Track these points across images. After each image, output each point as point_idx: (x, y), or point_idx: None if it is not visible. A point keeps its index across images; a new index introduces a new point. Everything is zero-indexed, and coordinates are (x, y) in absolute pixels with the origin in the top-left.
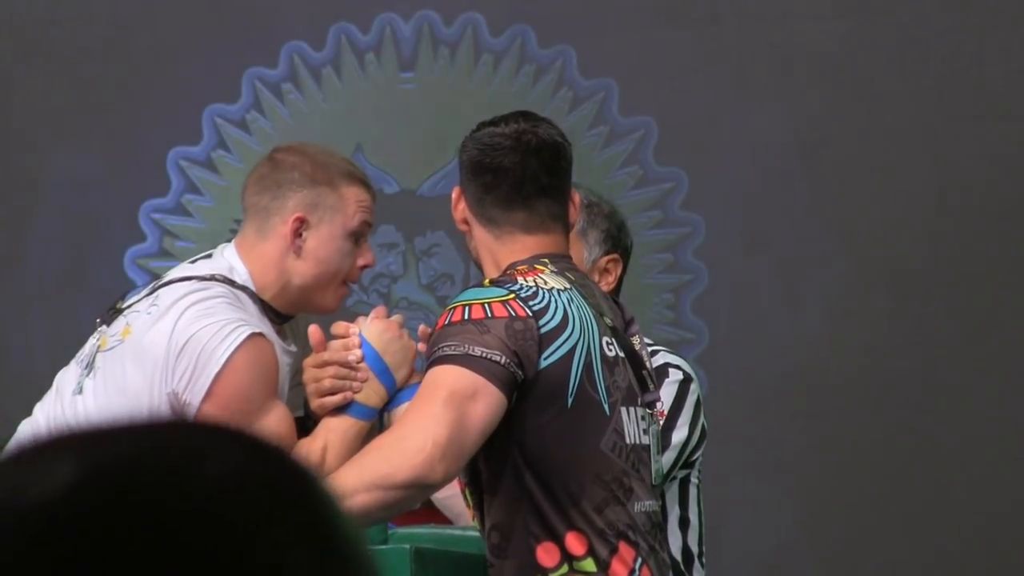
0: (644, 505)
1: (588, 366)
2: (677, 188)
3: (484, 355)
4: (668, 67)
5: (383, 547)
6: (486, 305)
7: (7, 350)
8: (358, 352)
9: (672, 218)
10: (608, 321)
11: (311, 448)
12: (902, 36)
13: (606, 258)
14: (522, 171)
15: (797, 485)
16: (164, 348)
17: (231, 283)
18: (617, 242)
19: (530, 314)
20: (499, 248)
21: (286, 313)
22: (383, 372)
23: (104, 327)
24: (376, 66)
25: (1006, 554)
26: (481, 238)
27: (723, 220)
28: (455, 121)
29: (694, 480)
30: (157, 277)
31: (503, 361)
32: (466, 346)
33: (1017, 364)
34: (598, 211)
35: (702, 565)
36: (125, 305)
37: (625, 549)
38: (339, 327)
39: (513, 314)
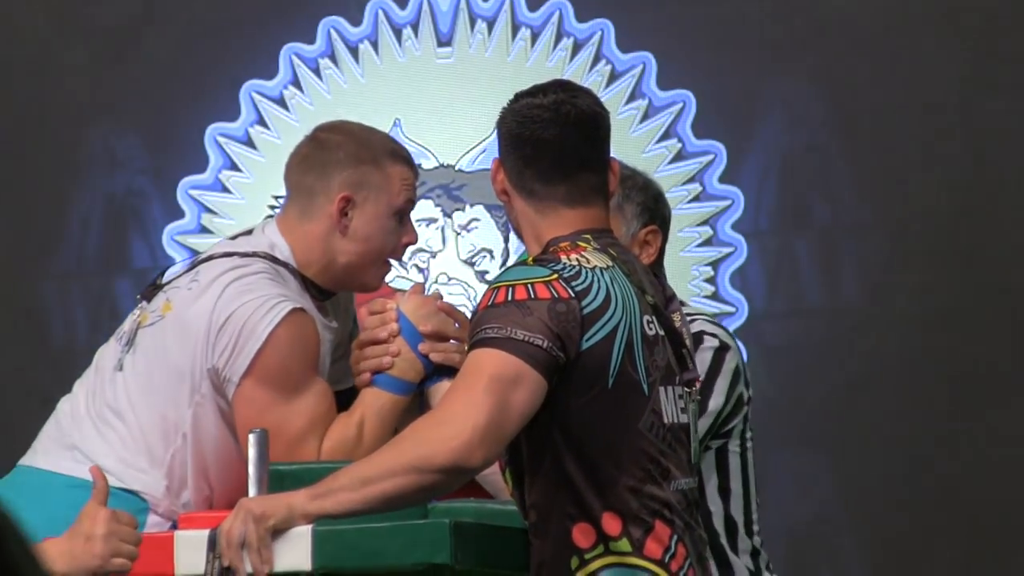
0: (680, 484)
1: (629, 346)
2: (715, 161)
3: (527, 339)
4: (706, 40)
5: (422, 521)
6: (529, 286)
7: (47, 327)
8: (393, 327)
9: (710, 192)
10: (650, 299)
11: (348, 423)
12: (940, 6)
13: (644, 230)
14: (562, 143)
15: (836, 457)
16: (206, 324)
17: (273, 259)
18: (655, 213)
19: (573, 295)
20: (540, 221)
21: (329, 290)
22: (412, 344)
23: (144, 303)
24: (414, 42)
25: None
26: (522, 210)
27: (761, 193)
28: (493, 96)
29: (733, 448)
30: (197, 253)
31: (545, 345)
32: (509, 329)
33: None
34: (632, 184)
35: (749, 534)
36: (165, 281)
37: (661, 527)
38: (377, 303)
39: (556, 295)
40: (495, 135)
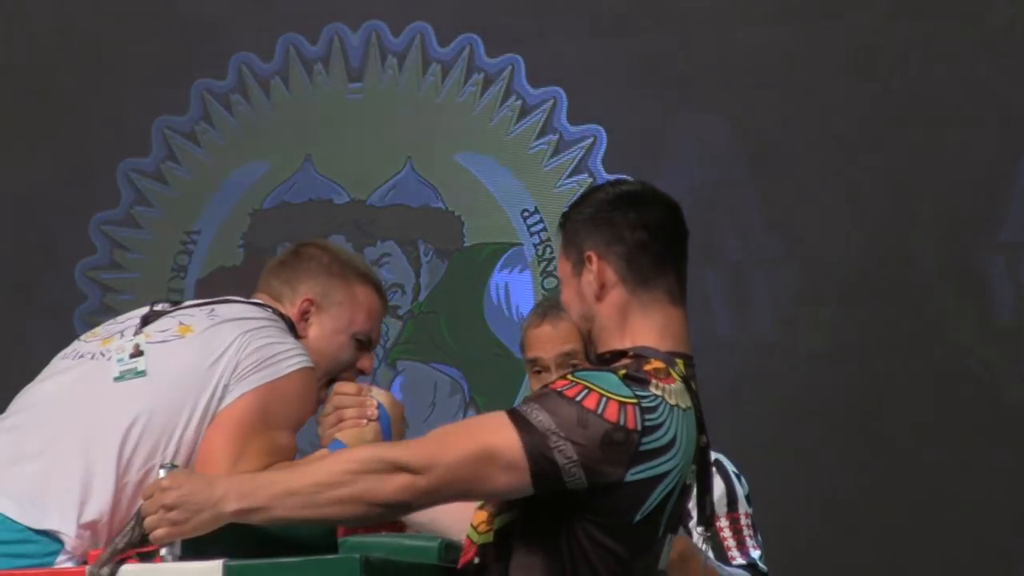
0: None
1: (668, 495)
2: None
3: (553, 445)
4: (616, 75)
5: (332, 556)
6: (604, 400)
7: None
8: (375, 409)
9: None
10: (703, 440)
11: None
12: (849, 42)
13: None
14: (673, 226)
15: (752, 489)
16: (237, 343)
17: (280, 316)
18: None
19: (639, 428)
20: (640, 317)
21: None
22: (386, 431)
23: (138, 329)
24: (324, 77)
25: (966, 543)
26: (618, 304)
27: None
28: (404, 131)
29: None
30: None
31: (564, 463)
32: (551, 429)
33: (968, 374)
34: None
35: None
36: (167, 310)
37: None
38: (348, 385)
39: (622, 423)
40: (583, 225)
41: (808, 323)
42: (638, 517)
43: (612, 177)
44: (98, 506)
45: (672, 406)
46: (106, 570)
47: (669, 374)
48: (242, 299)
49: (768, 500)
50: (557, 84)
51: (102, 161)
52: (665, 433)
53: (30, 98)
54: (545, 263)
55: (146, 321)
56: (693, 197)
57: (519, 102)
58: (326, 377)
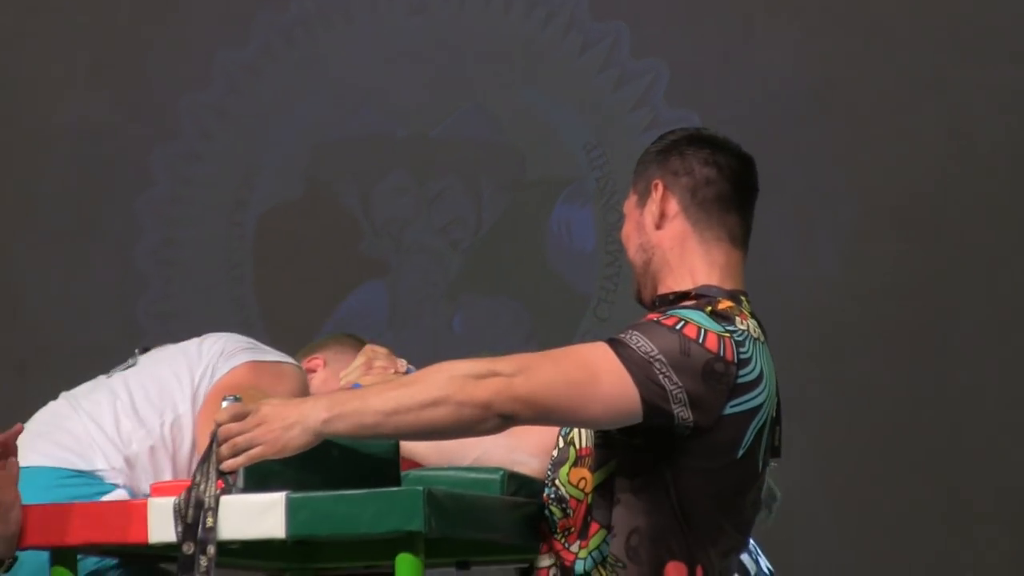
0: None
1: (763, 426)
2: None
3: (659, 371)
4: (679, 9)
5: (395, 489)
6: (703, 330)
7: (22, 297)
8: (403, 366)
9: None
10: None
11: None
12: None
13: None
14: (744, 174)
15: (812, 426)
16: (224, 338)
17: None
18: None
19: (736, 360)
20: (700, 253)
21: None
22: None
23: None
24: (387, 7)
25: (1019, 494)
26: (679, 236)
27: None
28: (465, 64)
29: None
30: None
31: (674, 391)
32: (653, 350)
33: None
34: None
35: None
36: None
37: None
38: (380, 348)
39: (721, 353)
40: (655, 156)
41: (870, 259)
42: (741, 452)
43: (673, 112)
44: (135, 445)
45: (755, 340)
46: (212, 490)
47: (742, 311)
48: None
49: (829, 436)
50: (619, 19)
51: (164, 94)
52: (755, 367)
53: (92, 28)
54: (607, 197)
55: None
56: (755, 132)
57: (581, 36)
58: None
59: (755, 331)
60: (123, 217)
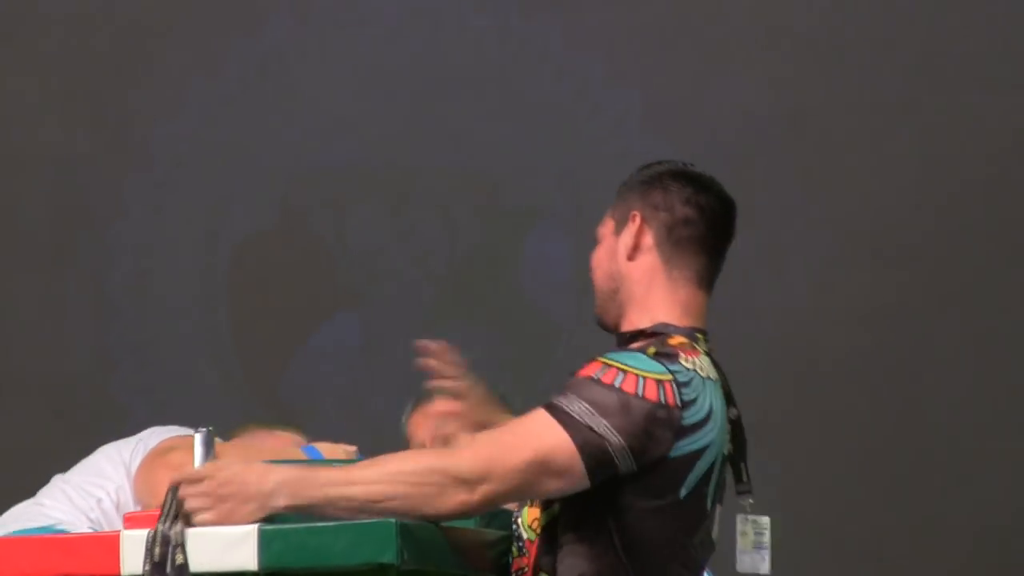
0: None
1: (711, 467)
2: (662, 158)
3: (603, 434)
4: (651, 39)
5: (369, 521)
6: (641, 380)
7: None
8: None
9: None
10: (733, 413)
11: None
12: (886, 6)
13: None
14: (724, 218)
15: (785, 455)
16: (144, 433)
17: None
18: None
19: (679, 404)
20: (665, 291)
21: None
22: None
23: None
24: (361, 38)
25: (993, 522)
26: (648, 270)
27: None
28: (439, 94)
29: None
30: None
31: (618, 449)
32: (595, 419)
33: (1002, 334)
34: None
35: None
36: None
37: None
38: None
39: (663, 400)
40: (638, 186)
41: (844, 287)
42: (684, 492)
43: (649, 142)
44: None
45: (704, 378)
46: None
47: (694, 347)
48: None
49: (801, 465)
50: (593, 48)
51: (138, 123)
52: (701, 407)
53: (66, 57)
54: (582, 227)
55: None
56: (728, 162)
57: (554, 66)
58: None
59: (704, 369)
60: (96, 246)
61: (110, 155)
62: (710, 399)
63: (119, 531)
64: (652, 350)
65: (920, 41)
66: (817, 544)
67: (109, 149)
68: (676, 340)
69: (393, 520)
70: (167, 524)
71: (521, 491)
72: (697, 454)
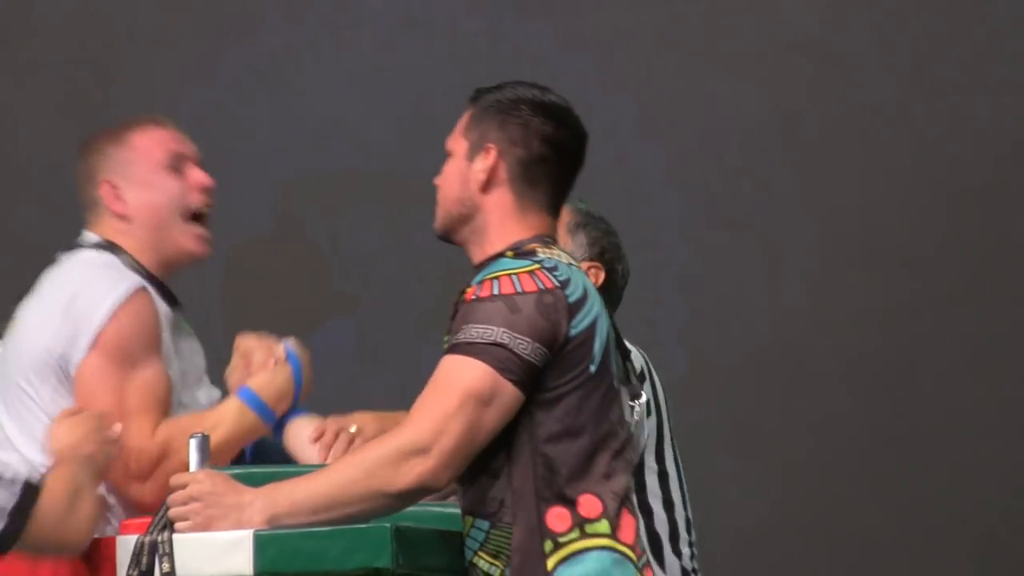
0: (632, 482)
1: (607, 340)
2: (657, 162)
3: (509, 344)
4: (645, 43)
5: (364, 525)
6: (514, 276)
7: None
8: (282, 352)
9: (652, 192)
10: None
11: (200, 420)
12: (879, 10)
13: (588, 263)
14: (578, 153)
15: (779, 461)
16: (55, 308)
17: (110, 248)
18: (604, 254)
19: (557, 284)
20: (517, 220)
21: (161, 274)
22: (298, 380)
23: None
24: (355, 44)
25: (988, 526)
26: (502, 203)
27: (702, 196)
28: (433, 99)
29: (650, 464)
30: None
31: (528, 351)
32: (494, 331)
33: (994, 339)
34: (598, 221)
35: (677, 553)
36: None
37: (627, 517)
38: (250, 336)
39: (542, 286)
40: (496, 113)
41: (836, 291)
42: (592, 367)
43: (643, 146)
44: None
45: (567, 264)
46: (166, 534)
47: (547, 245)
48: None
49: (794, 468)
50: (587, 53)
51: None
52: (576, 285)
53: (58, 63)
54: None
55: None
56: (723, 166)
57: (548, 70)
58: (175, 215)
59: (564, 257)
60: None
61: None
62: (581, 279)
63: (115, 537)
64: (510, 253)
65: (916, 45)
66: (809, 546)
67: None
68: (529, 246)
69: (388, 524)
70: (156, 532)
71: (471, 436)
72: (591, 328)
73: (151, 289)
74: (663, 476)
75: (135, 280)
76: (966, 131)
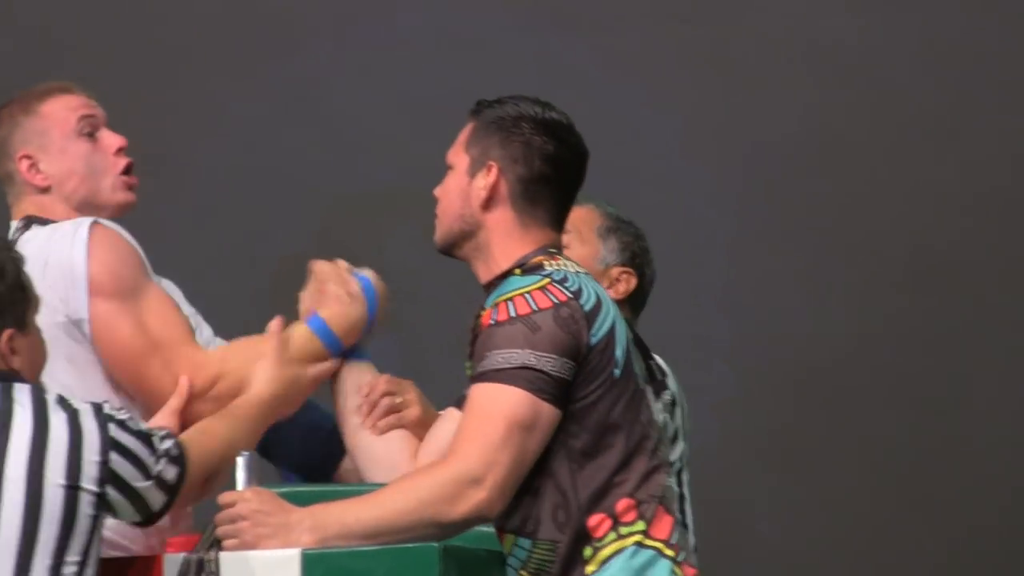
0: (670, 481)
1: (627, 343)
2: (701, 183)
3: (537, 365)
4: (690, 65)
5: (412, 545)
6: (527, 295)
7: None
8: (357, 286)
9: (697, 214)
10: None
11: (256, 344)
12: (922, 31)
13: (619, 268)
14: (579, 171)
15: (823, 482)
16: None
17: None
18: (635, 259)
19: (570, 295)
20: (519, 236)
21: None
22: (372, 314)
23: None
24: (398, 61)
25: None
26: (504, 221)
27: (746, 215)
28: None
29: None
30: None
31: (556, 367)
32: (518, 353)
33: None
34: (627, 226)
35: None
36: None
37: (663, 514)
38: (325, 263)
39: (556, 300)
40: (497, 129)
41: (882, 314)
42: (616, 370)
43: (688, 165)
44: None
45: (575, 272)
46: (213, 553)
47: (552, 256)
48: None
49: (837, 492)
50: (633, 73)
51: (175, 147)
52: (588, 294)
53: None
54: None
55: None
56: (767, 186)
57: (594, 91)
58: (98, 177)
59: (572, 266)
60: None
61: (145, 179)
62: (592, 286)
63: (161, 554)
64: (518, 271)
65: (960, 64)
66: (852, 569)
67: (147, 173)
68: (535, 260)
69: (436, 544)
70: (203, 550)
71: (520, 463)
72: (611, 333)
73: (105, 222)
74: (681, 499)
75: (88, 219)
76: (1011, 151)
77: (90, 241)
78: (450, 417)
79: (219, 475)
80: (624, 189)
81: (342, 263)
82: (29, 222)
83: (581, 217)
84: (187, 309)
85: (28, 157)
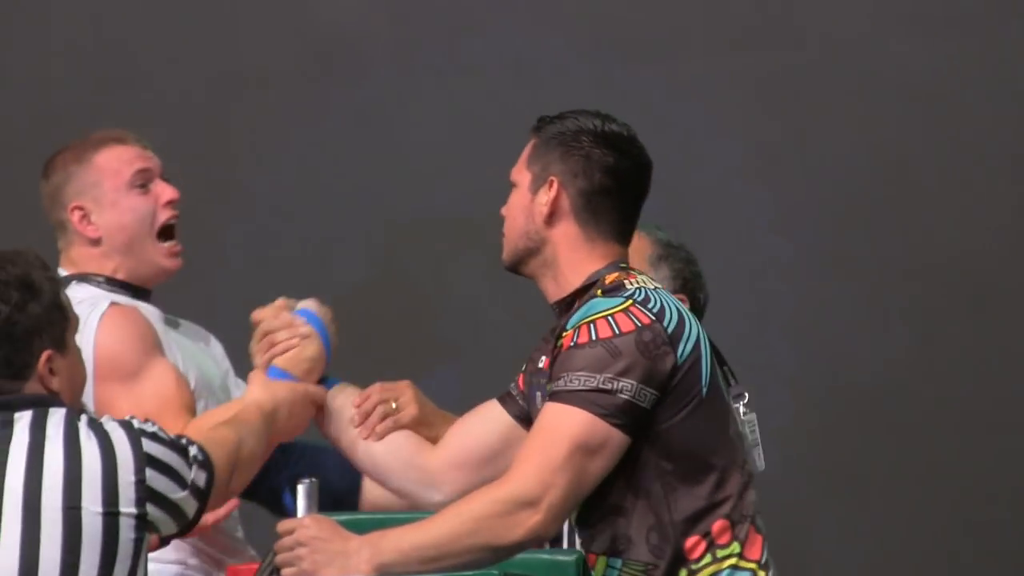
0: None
1: (712, 359)
2: (764, 209)
3: (612, 389)
4: (752, 90)
5: (471, 572)
6: (610, 318)
7: None
8: (306, 327)
9: (759, 239)
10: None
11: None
12: (987, 56)
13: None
14: (642, 183)
15: (886, 509)
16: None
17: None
18: (687, 285)
19: (653, 317)
20: (587, 251)
21: (143, 285)
22: (327, 345)
23: None
24: (461, 88)
25: None
26: (569, 236)
27: (809, 243)
28: None
29: None
30: None
31: (632, 393)
32: (596, 378)
33: None
34: (679, 251)
35: None
36: None
37: (754, 533)
38: (264, 310)
39: (639, 323)
40: (557, 145)
41: (943, 339)
42: (704, 389)
43: (751, 190)
44: None
45: (654, 289)
46: None
47: (628, 273)
48: None
49: (898, 518)
50: (697, 99)
51: (241, 172)
52: (671, 312)
53: (169, 105)
54: None
55: None
56: (830, 211)
57: (655, 117)
58: (146, 234)
59: (650, 283)
60: (198, 297)
61: (211, 205)
62: (672, 303)
63: None
64: (599, 292)
65: (1021, 89)
66: None
67: (211, 199)
68: (611, 277)
69: (496, 572)
70: None
71: (578, 487)
72: (696, 350)
73: (129, 300)
74: None
75: (105, 301)
76: None
77: (99, 326)
78: (488, 407)
79: (237, 480)
80: (686, 215)
81: (280, 303)
82: (69, 281)
83: (632, 246)
84: (223, 366)
85: (80, 208)
